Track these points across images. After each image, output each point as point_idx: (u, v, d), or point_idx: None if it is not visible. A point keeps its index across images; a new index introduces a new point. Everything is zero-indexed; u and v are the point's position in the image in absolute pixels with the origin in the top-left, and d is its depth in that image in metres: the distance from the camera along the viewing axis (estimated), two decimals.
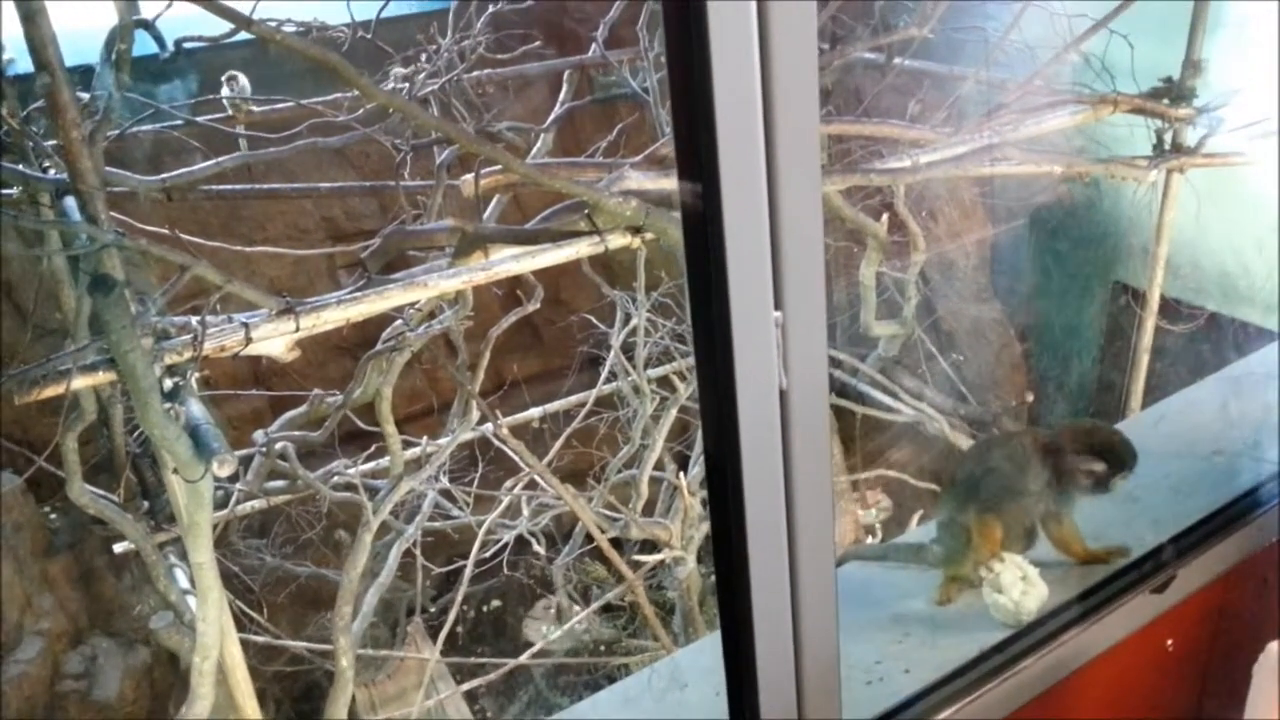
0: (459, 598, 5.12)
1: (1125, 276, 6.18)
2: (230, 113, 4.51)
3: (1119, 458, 2.17)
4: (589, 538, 5.35)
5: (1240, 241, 5.58)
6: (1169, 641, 2.20)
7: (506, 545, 5.40)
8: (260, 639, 4.91)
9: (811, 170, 1.27)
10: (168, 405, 2.82)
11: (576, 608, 6.32)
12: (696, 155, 1.22)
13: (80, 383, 2.92)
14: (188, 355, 2.90)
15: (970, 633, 2.03)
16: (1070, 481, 2.17)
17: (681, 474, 5.30)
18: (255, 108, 4.53)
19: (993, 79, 4.46)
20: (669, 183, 3.69)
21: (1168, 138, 4.47)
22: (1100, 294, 6.50)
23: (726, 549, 1.46)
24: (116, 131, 3.45)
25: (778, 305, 1.30)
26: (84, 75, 3.08)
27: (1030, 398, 6.57)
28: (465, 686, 5.71)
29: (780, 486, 1.41)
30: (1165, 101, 4.38)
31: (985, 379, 6.68)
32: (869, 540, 6.18)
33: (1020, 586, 2.05)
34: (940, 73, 4.74)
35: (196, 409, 2.92)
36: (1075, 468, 2.17)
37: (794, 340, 1.33)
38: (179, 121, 4.20)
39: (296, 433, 4.20)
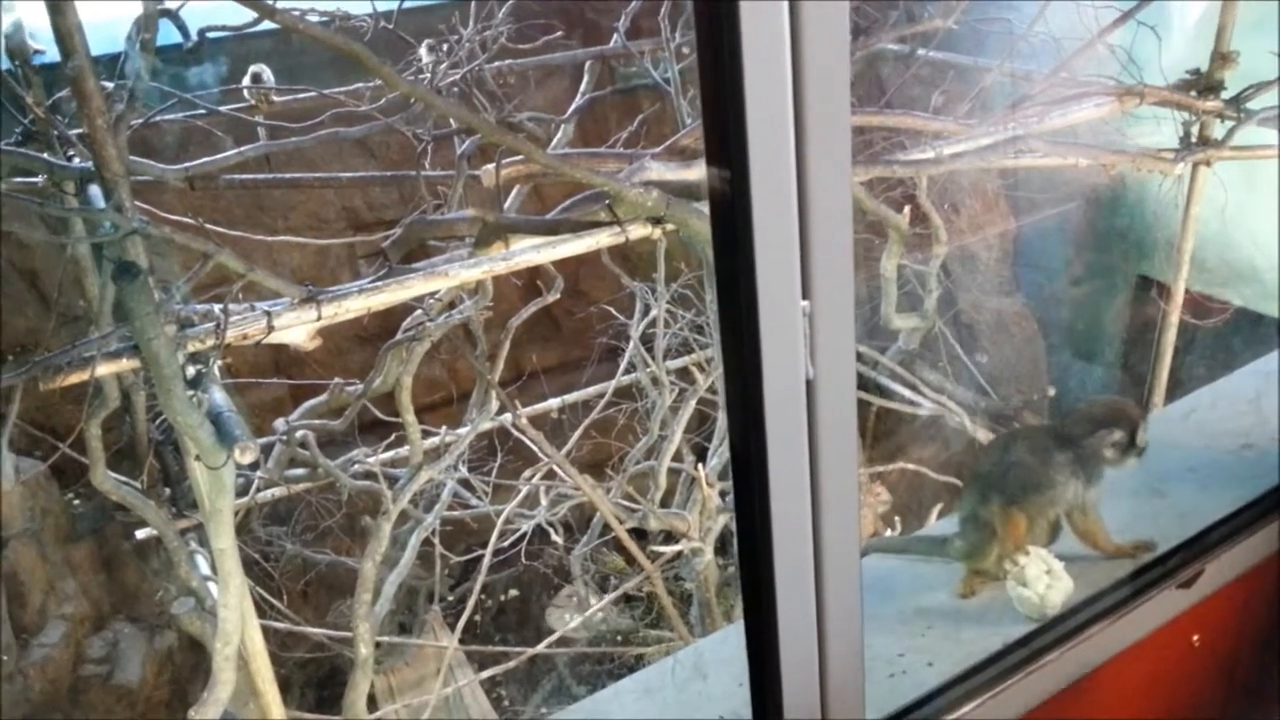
0: (478, 586, 5.13)
1: (1150, 270, 6.12)
2: (253, 102, 4.52)
3: (1129, 416, 2.16)
4: (607, 528, 5.35)
5: (1267, 236, 5.52)
6: (1195, 637, 2.18)
7: (525, 535, 5.41)
8: (281, 625, 4.94)
9: (841, 159, 1.26)
10: (190, 392, 2.83)
11: (594, 600, 6.33)
12: (726, 143, 1.21)
13: (104, 369, 2.93)
14: (210, 343, 2.91)
15: (994, 626, 2.02)
16: (1097, 460, 2.16)
17: (700, 465, 5.29)
18: (277, 97, 4.53)
19: (1017, 71, 4.42)
20: (690, 173, 3.67)
21: (1194, 130, 4.42)
22: (1124, 288, 6.44)
23: (751, 540, 1.45)
24: (141, 120, 3.46)
25: (805, 295, 1.29)
26: (109, 64, 3.09)
27: (1052, 392, 6.52)
28: (484, 674, 5.73)
29: (806, 477, 1.40)
30: (1193, 94, 4.33)
31: (1007, 372, 6.63)
32: (888, 533, 6.16)
33: (1045, 580, 2.04)
34: (964, 64, 4.70)
35: (219, 396, 2.94)
36: (1099, 445, 2.15)
37: (821, 330, 1.32)
38: (202, 111, 4.22)
39: (317, 421, 4.22)
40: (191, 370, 2.89)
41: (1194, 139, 4.42)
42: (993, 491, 2.22)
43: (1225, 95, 4.28)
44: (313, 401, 4.19)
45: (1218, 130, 4.40)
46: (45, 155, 3.48)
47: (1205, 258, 5.30)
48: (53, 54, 2.75)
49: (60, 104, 3.54)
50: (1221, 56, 4.25)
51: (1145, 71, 4.22)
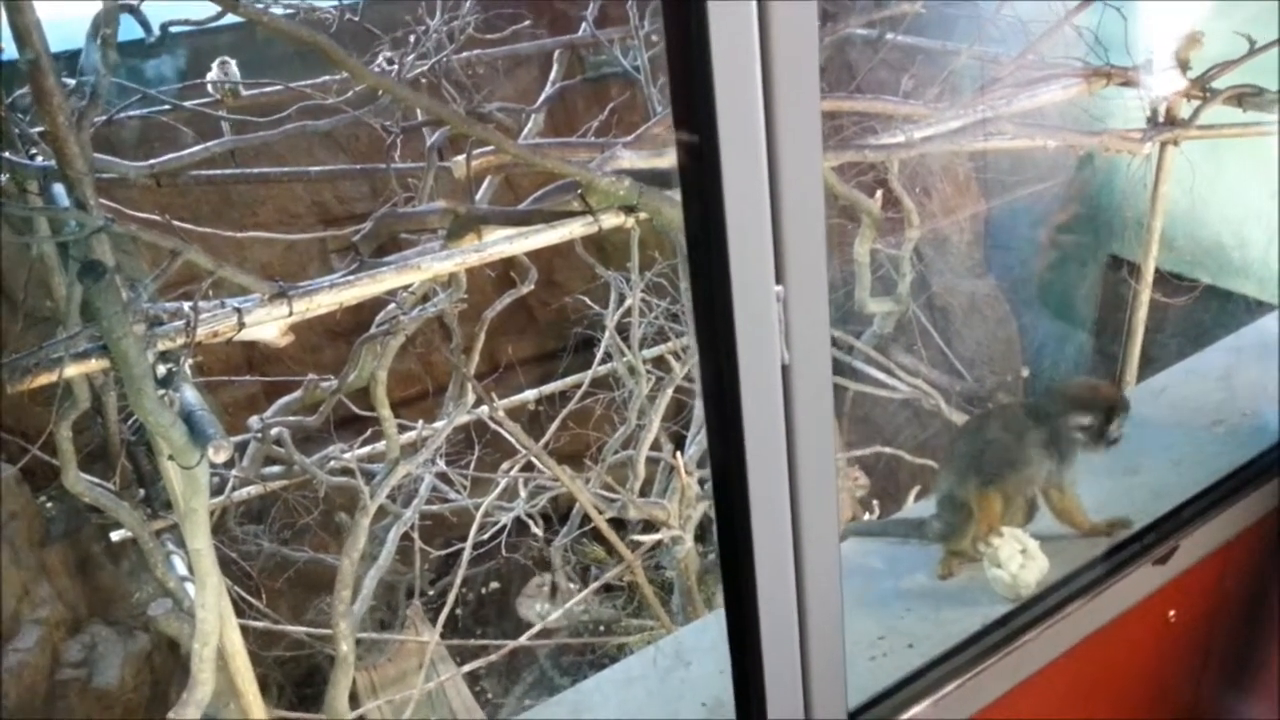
0: (458, 580, 5.12)
1: (1120, 250, 6.17)
2: (218, 96, 4.47)
3: (1104, 406, 2.17)
4: (587, 519, 5.35)
5: (1236, 214, 5.57)
6: (1171, 613, 2.20)
7: (504, 527, 5.40)
8: (260, 624, 4.90)
9: (812, 143, 1.25)
10: (162, 392, 2.80)
11: (573, 586, 6.32)
12: (696, 131, 1.21)
13: (73, 370, 2.90)
14: (180, 341, 2.88)
15: (973, 607, 2.03)
16: (1067, 442, 2.17)
17: (678, 453, 5.30)
18: (243, 91, 4.49)
19: (986, 53, 4.44)
20: (662, 161, 3.66)
21: (1161, 110, 4.44)
22: (1095, 268, 6.49)
23: (730, 526, 1.45)
24: (103, 117, 3.41)
25: (779, 279, 1.29)
26: (70, 61, 3.04)
27: (1026, 372, 6.58)
28: (466, 668, 5.72)
29: (783, 463, 1.40)
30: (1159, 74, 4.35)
31: (981, 355, 6.68)
32: (867, 516, 6.19)
33: (1019, 560, 2.05)
34: (933, 48, 4.71)
35: (191, 395, 2.91)
36: (1065, 427, 2.17)
37: (795, 315, 1.31)
38: (166, 106, 4.17)
39: (292, 418, 4.18)
40: (162, 369, 2.86)
41: (1161, 119, 4.45)
42: (969, 472, 2.23)
43: (1191, 75, 4.31)
44: (287, 398, 4.15)
45: (1184, 110, 4.43)
46: (6, 154, 3.43)
47: (1174, 236, 5.35)
48: (11, 51, 2.70)
49: (20, 102, 3.48)
50: (1188, 36, 4.28)
51: (1112, 52, 4.25)
